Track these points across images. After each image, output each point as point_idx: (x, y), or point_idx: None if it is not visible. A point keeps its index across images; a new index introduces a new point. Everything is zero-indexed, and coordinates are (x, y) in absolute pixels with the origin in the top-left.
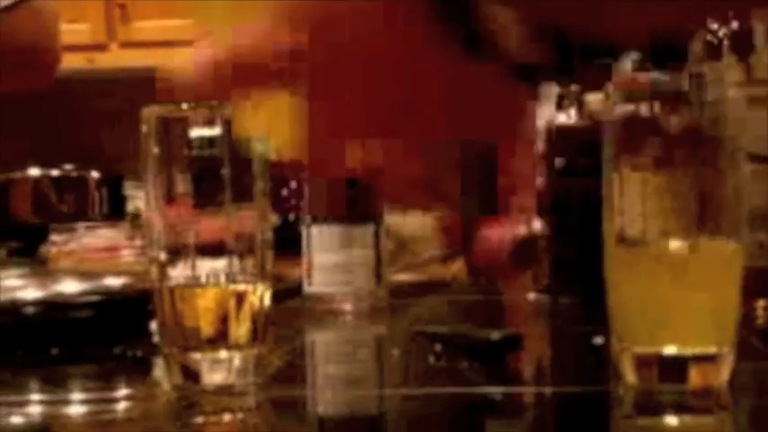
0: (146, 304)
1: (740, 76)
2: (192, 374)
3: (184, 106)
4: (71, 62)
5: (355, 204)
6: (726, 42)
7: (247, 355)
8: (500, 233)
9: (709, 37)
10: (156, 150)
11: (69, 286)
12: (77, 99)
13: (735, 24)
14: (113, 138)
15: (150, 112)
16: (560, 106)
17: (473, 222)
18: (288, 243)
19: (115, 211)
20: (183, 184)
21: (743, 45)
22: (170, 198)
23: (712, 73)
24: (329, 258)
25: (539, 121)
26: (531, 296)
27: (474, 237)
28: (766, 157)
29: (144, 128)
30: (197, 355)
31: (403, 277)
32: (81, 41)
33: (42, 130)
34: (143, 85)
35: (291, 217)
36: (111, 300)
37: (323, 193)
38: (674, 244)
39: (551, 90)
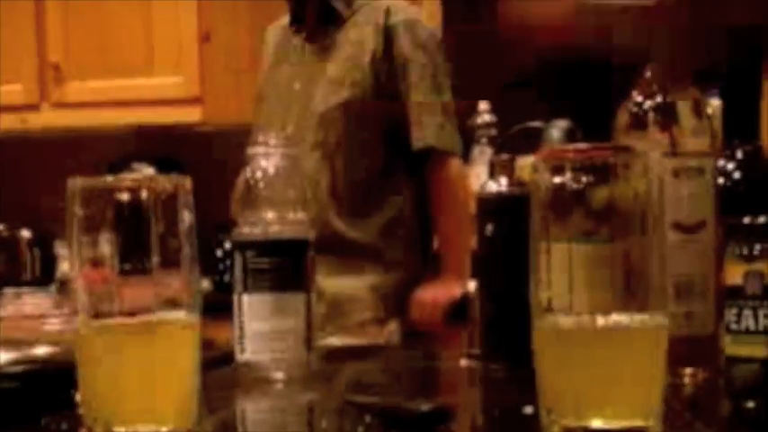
0: (72, 374)
1: (664, 149)
2: None
3: (109, 177)
4: (3, 123)
5: (286, 273)
6: (651, 115)
7: (174, 428)
8: (435, 295)
9: (634, 109)
10: (81, 218)
11: None
12: (9, 159)
13: (659, 97)
14: (46, 198)
15: (75, 183)
16: (492, 174)
17: (408, 284)
18: (222, 306)
19: (46, 272)
20: (109, 251)
21: (667, 118)
22: (96, 264)
23: (638, 145)
24: (260, 326)
25: (473, 185)
26: (464, 362)
27: (409, 299)
28: (690, 227)
29: (68, 196)
30: (120, 428)
31: (337, 341)
32: (13, 102)
33: None
34: (76, 144)
35: (226, 278)
36: (37, 370)
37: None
38: (600, 318)
39: (485, 154)
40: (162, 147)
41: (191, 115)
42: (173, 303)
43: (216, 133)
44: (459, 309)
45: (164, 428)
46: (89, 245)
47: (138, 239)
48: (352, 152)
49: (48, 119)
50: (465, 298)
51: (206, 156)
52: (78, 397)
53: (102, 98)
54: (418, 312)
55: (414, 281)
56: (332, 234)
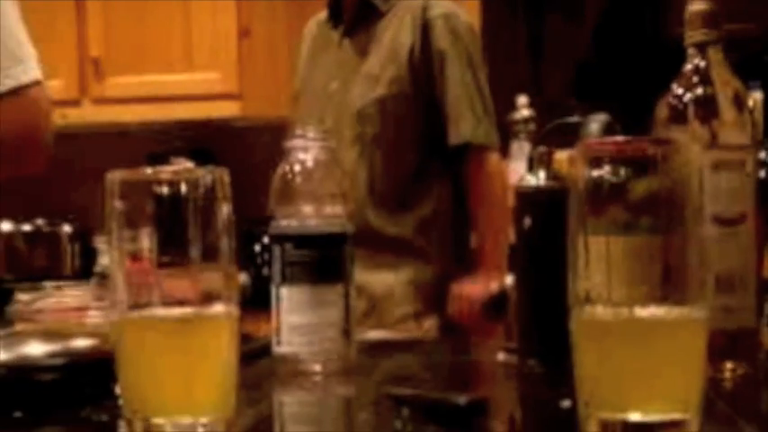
0: (112, 366)
1: (705, 141)
2: None
3: (148, 170)
4: None
5: (323, 265)
6: (690, 107)
7: (212, 420)
8: (472, 289)
9: (674, 102)
10: (120, 211)
11: (35, 348)
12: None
13: (699, 90)
14: (85, 192)
15: (114, 176)
16: (531, 167)
17: (446, 279)
18: (260, 299)
19: (86, 266)
20: (148, 244)
21: (707, 110)
22: (135, 258)
23: (676, 139)
24: (298, 319)
25: (511, 180)
26: (501, 357)
27: (447, 293)
28: (731, 220)
29: (108, 189)
30: (160, 420)
31: (375, 335)
32: (54, 97)
33: (14, 185)
34: (115, 139)
35: (264, 271)
36: (77, 362)
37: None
38: (639, 310)
39: (523, 149)
40: (200, 142)
41: (229, 110)
42: (211, 296)
43: (254, 128)
44: (496, 303)
45: (202, 420)
46: (128, 238)
47: (176, 232)
48: (390, 147)
49: (88, 114)
50: (502, 293)
51: (243, 151)
52: (118, 389)
53: (142, 93)
54: (456, 307)
55: (451, 276)
56: (369, 229)
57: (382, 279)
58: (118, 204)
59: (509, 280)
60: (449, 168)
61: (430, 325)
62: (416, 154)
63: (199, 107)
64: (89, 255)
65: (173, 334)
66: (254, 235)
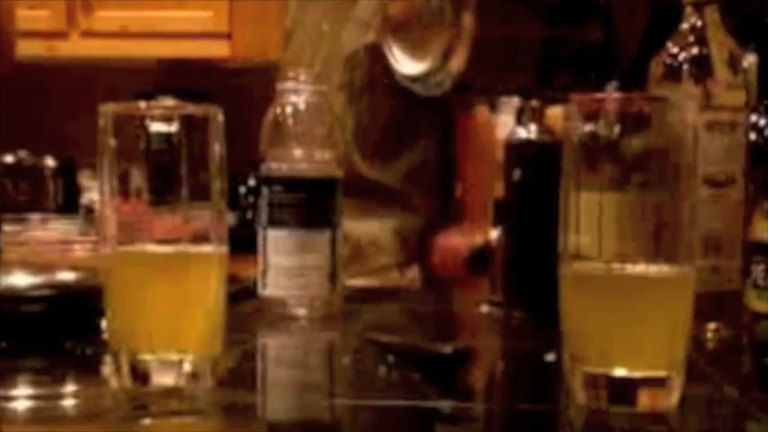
0: (98, 300)
1: (698, 101)
2: (140, 375)
3: (142, 104)
4: (30, 49)
5: (312, 210)
6: (685, 67)
7: (198, 358)
8: (457, 241)
9: (669, 60)
10: (112, 147)
11: (20, 279)
12: (35, 86)
13: (695, 49)
14: (70, 126)
15: (107, 109)
16: (520, 120)
17: (430, 230)
18: (245, 242)
19: (70, 201)
20: (138, 181)
21: (702, 70)
22: (125, 194)
23: (672, 96)
24: (284, 262)
25: (499, 132)
26: (485, 308)
27: (431, 244)
28: (723, 181)
29: (101, 123)
30: (146, 356)
31: (358, 283)
32: (41, 28)
33: None
34: (102, 75)
35: (249, 215)
36: (63, 294)
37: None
38: (628, 267)
39: (511, 102)
40: (188, 81)
41: (219, 50)
42: (202, 235)
43: (243, 69)
44: (479, 256)
45: (188, 357)
46: (119, 174)
47: (168, 171)
48: (378, 95)
49: (75, 47)
50: (486, 246)
51: (232, 91)
52: (104, 323)
53: (131, 29)
54: (439, 258)
55: (435, 226)
56: (355, 176)
57: (367, 227)
58: (110, 139)
59: (493, 234)
60: (436, 119)
61: (413, 275)
62: (404, 103)
63: (188, 45)
64: (73, 190)
65: (162, 270)
66: (241, 177)
